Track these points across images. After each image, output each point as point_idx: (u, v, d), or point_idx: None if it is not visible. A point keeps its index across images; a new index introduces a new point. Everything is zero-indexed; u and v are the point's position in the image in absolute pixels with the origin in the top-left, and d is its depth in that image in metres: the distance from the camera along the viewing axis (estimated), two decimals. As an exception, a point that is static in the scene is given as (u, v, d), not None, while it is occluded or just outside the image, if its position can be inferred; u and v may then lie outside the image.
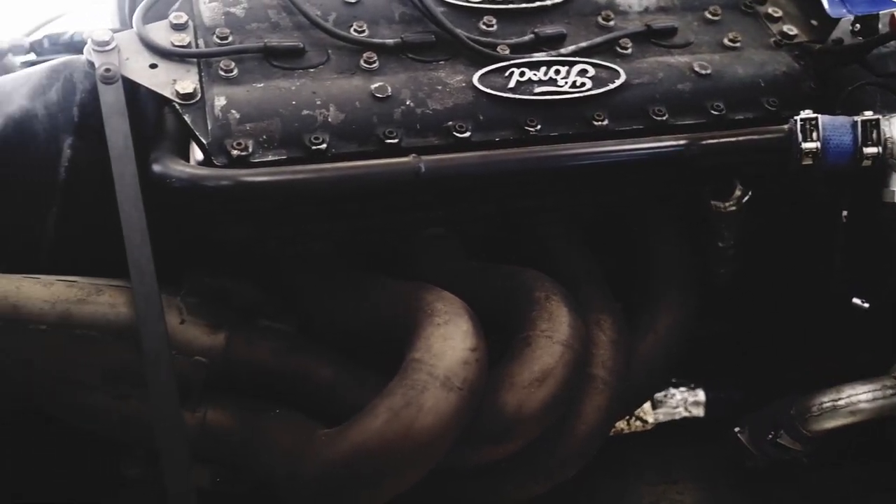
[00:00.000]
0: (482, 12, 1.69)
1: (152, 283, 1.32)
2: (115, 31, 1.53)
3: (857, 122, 1.51)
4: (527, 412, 1.44)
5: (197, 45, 1.55)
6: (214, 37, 1.55)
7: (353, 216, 1.61)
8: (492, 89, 1.57)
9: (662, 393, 2.02)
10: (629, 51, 1.69)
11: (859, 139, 1.50)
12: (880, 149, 1.50)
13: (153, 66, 1.50)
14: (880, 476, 1.79)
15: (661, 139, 1.59)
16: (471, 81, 1.57)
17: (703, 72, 1.68)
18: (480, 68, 1.59)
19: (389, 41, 1.60)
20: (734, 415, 1.84)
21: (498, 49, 1.63)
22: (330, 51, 1.59)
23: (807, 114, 1.53)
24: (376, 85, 1.54)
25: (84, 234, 1.55)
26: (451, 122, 1.53)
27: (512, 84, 1.58)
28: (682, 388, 2.03)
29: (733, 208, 1.68)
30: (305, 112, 1.49)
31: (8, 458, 1.64)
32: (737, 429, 1.79)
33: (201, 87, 1.49)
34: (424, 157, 1.46)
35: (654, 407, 2.02)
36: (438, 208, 1.65)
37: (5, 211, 1.56)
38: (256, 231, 1.57)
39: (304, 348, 1.54)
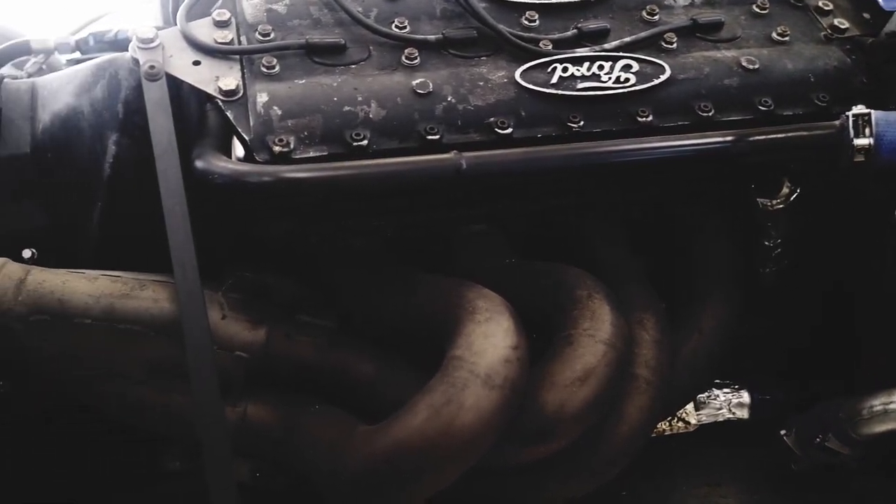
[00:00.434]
0: (524, 7, 1.67)
1: (195, 278, 1.33)
2: (159, 28, 1.54)
3: (912, 117, 1.47)
4: (568, 412, 1.42)
5: (239, 42, 1.56)
6: (257, 34, 1.56)
7: (394, 212, 1.60)
8: (534, 85, 1.55)
9: (706, 394, 1.99)
10: (674, 45, 1.66)
11: (914, 135, 1.47)
12: (936, 145, 1.47)
13: (196, 62, 1.50)
14: (932, 483, 1.75)
15: (707, 135, 1.56)
16: (513, 77, 1.56)
17: (751, 66, 1.64)
18: (522, 64, 1.57)
19: (431, 37, 1.60)
20: (779, 417, 1.81)
21: (540, 44, 1.61)
22: (371, 47, 1.58)
23: (859, 109, 1.49)
24: (417, 81, 1.53)
25: (128, 230, 1.56)
26: (492, 119, 1.52)
27: (554, 80, 1.56)
28: (726, 390, 2.00)
29: (781, 206, 1.65)
30: (346, 108, 1.48)
31: (52, 450, 1.67)
32: (783, 431, 1.76)
33: (243, 84, 1.49)
34: (466, 154, 1.45)
35: (697, 408, 1.99)
36: (480, 205, 1.64)
37: (52, 207, 1.59)
38: (297, 227, 1.57)
39: (345, 344, 1.54)
